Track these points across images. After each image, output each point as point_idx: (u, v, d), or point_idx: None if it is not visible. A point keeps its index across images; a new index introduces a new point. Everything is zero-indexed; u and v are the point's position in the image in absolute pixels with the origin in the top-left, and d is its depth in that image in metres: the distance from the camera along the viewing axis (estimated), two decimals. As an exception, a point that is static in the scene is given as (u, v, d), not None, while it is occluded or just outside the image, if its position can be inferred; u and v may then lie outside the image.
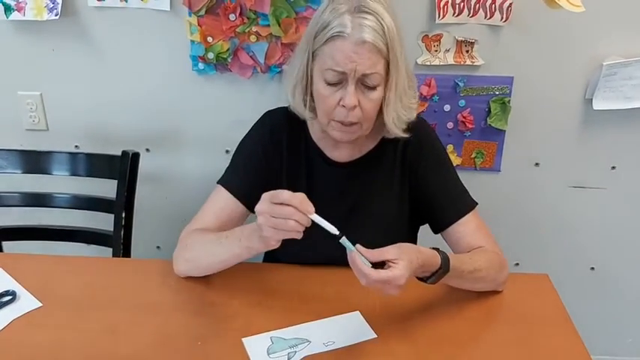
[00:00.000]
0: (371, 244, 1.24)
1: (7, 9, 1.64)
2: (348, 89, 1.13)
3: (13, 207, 1.60)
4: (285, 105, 1.34)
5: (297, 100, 1.25)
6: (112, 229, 1.56)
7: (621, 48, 1.58)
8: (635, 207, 1.79)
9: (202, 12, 1.61)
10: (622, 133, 1.69)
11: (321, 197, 1.29)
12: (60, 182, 1.65)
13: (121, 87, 1.73)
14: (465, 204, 1.28)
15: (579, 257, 1.86)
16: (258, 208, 1.03)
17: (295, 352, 1.07)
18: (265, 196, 1.03)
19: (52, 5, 1.63)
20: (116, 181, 1.55)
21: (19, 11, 1.65)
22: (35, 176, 1.62)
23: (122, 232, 1.54)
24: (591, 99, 1.64)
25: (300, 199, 1.01)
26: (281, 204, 1.00)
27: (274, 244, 1.06)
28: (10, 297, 1.16)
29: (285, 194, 1.00)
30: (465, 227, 1.26)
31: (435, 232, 1.32)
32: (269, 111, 1.37)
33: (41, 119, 1.79)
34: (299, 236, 1.02)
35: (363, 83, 1.14)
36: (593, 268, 1.88)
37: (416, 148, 1.29)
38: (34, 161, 1.59)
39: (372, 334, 1.11)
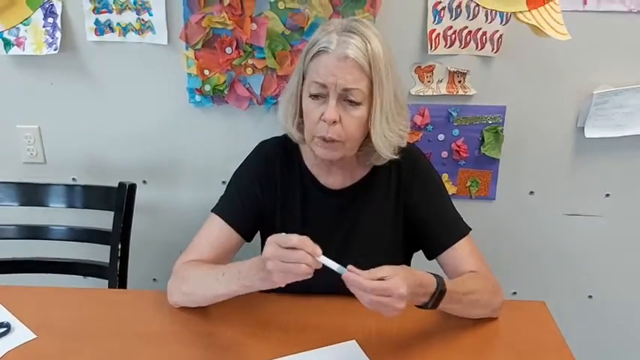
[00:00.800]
0: (365, 269, 1.26)
1: (7, 44, 1.67)
2: (329, 103, 1.16)
3: (9, 239, 1.60)
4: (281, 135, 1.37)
5: (288, 121, 1.27)
6: (108, 261, 1.56)
7: (611, 77, 1.61)
8: (630, 234, 1.79)
9: (199, 45, 1.64)
10: (615, 160, 1.71)
11: (316, 224, 1.31)
12: (57, 214, 1.66)
13: (118, 120, 1.75)
14: (458, 230, 1.29)
15: (577, 285, 1.86)
16: (266, 252, 1.01)
17: None
18: (273, 240, 1.01)
19: (51, 40, 1.66)
20: (113, 213, 1.56)
21: (18, 46, 1.68)
22: (32, 208, 1.63)
23: (118, 264, 1.54)
24: (583, 127, 1.66)
25: (309, 242, 1.00)
26: (292, 248, 0.99)
27: (281, 285, 1.04)
28: (4, 329, 1.15)
29: (294, 238, 1.00)
30: (459, 252, 1.27)
31: (429, 257, 1.32)
32: (263, 141, 1.39)
33: (39, 152, 1.81)
34: (309, 277, 1.01)
35: (346, 99, 1.16)
36: (590, 297, 1.87)
37: (409, 174, 1.31)
38: (31, 193, 1.60)
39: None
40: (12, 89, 1.73)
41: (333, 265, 1.02)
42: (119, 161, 1.80)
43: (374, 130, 1.19)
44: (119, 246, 1.53)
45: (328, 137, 1.17)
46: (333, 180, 1.32)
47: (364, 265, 1.25)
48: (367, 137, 1.22)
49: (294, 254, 0.99)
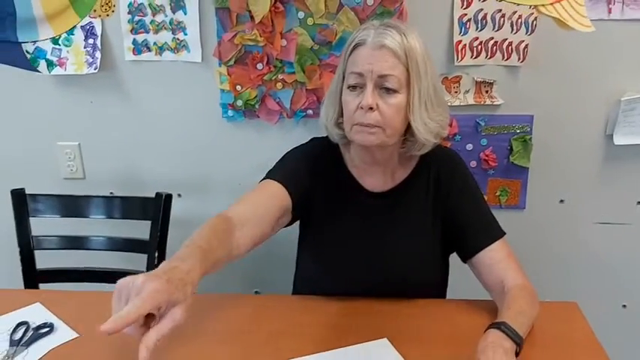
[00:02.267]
0: (405, 271, 1.30)
1: (50, 64, 1.75)
2: (366, 91, 1.19)
3: (51, 250, 1.67)
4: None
5: (329, 119, 1.31)
6: (145, 269, 1.60)
7: (638, 83, 1.62)
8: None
9: (232, 62, 1.70)
10: (646, 167, 1.71)
11: (352, 224, 1.34)
12: (96, 225, 1.72)
13: (154, 135, 1.82)
14: (494, 232, 1.30)
15: (610, 294, 1.84)
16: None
17: None
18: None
19: (91, 60, 1.74)
20: (150, 223, 1.61)
21: (60, 66, 1.76)
22: (73, 220, 1.69)
23: (155, 272, 1.58)
24: (612, 135, 1.67)
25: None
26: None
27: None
28: (47, 329, 1.20)
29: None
30: (497, 253, 1.27)
31: (465, 259, 1.33)
32: (315, 137, 1.42)
33: (79, 168, 1.88)
34: None
35: (382, 86, 1.19)
36: (625, 306, 1.85)
37: (448, 176, 1.33)
38: (72, 205, 1.66)
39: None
40: (53, 107, 1.81)
41: None
42: (155, 176, 1.86)
43: (413, 117, 1.21)
44: (156, 254, 1.58)
45: (366, 123, 1.20)
46: (373, 182, 1.34)
47: (404, 266, 1.29)
48: (408, 130, 1.25)
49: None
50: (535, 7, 1.13)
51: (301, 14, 1.64)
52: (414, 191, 1.34)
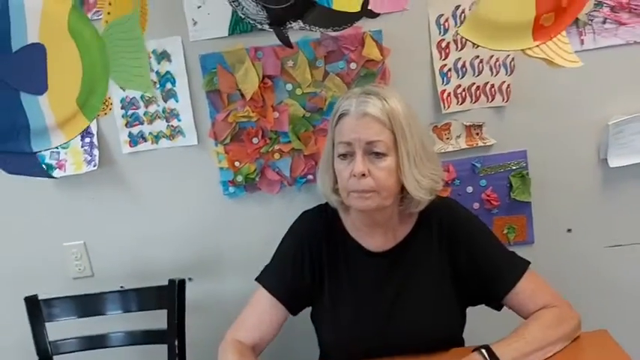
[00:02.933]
0: (419, 327, 1.30)
1: (49, 168, 1.78)
2: (356, 158, 1.23)
3: (70, 353, 1.64)
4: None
5: (325, 186, 1.35)
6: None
7: (622, 106, 1.67)
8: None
9: (228, 140, 1.74)
10: (644, 185, 1.74)
11: (364, 287, 1.35)
12: (112, 321, 1.69)
13: (158, 223, 1.83)
14: (514, 270, 1.31)
15: (636, 316, 1.82)
16: None
17: None
18: None
19: (89, 158, 1.77)
20: (165, 311, 1.59)
21: (59, 168, 1.79)
22: (87, 319, 1.67)
23: (177, 360, 1.56)
24: (606, 158, 1.70)
25: None
26: None
27: None
28: None
29: None
30: (522, 294, 1.28)
31: (496, 308, 1.34)
32: (305, 211, 1.45)
33: (86, 267, 1.88)
34: None
35: (371, 152, 1.23)
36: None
37: (451, 227, 1.34)
38: (86, 304, 1.65)
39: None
40: (56, 209, 1.83)
41: None
42: (163, 264, 1.85)
43: (404, 176, 1.25)
44: (176, 343, 1.55)
45: (361, 189, 1.23)
46: (376, 242, 1.36)
47: (418, 322, 1.30)
48: (404, 189, 1.28)
49: None
50: (523, 51, 1.18)
51: (289, 86, 1.70)
52: (418, 247, 1.35)
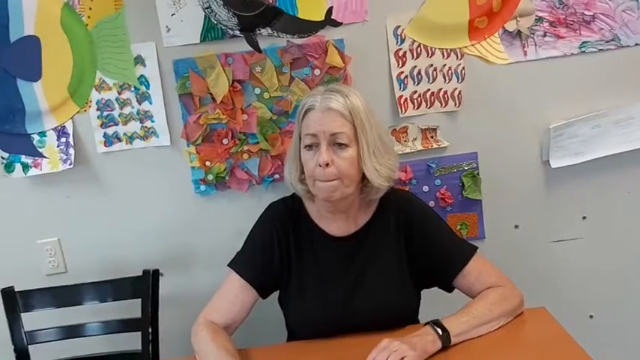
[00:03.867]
0: (379, 306, 1.42)
1: (25, 167, 1.85)
2: (321, 149, 1.36)
3: (46, 342, 1.70)
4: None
5: (292, 176, 1.47)
6: (140, 348, 1.65)
7: (562, 112, 1.83)
8: (612, 252, 1.94)
9: (199, 141, 1.84)
10: (583, 185, 1.89)
11: (329, 270, 1.46)
12: (86, 312, 1.76)
13: (131, 220, 1.91)
14: (463, 254, 1.45)
15: (576, 307, 1.96)
16: None
17: None
18: None
19: (65, 157, 1.85)
20: (140, 301, 1.67)
21: (35, 167, 1.86)
22: (60, 311, 1.74)
23: (150, 347, 1.63)
24: (548, 160, 1.86)
25: None
26: None
27: None
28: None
29: None
30: (469, 275, 1.43)
31: (447, 289, 1.48)
32: (272, 202, 1.56)
33: (60, 263, 1.94)
34: None
35: (335, 143, 1.36)
36: (592, 316, 1.98)
37: (407, 215, 1.48)
38: (62, 296, 1.72)
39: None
40: (31, 207, 1.89)
41: None
42: (135, 260, 1.90)
43: (365, 165, 1.38)
44: (150, 330, 1.63)
45: (326, 178, 1.36)
46: (339, 228, 1.48)
47: (378, 303, 1.42)
48: (364, 178, 1.41)
49: None
50: (461, 48, 1.34)
51: (257, 90, 1.81)
52: (377, 232, 1.48)
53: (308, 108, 1.39)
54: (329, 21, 1.59)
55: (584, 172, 1.87)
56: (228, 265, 1.51)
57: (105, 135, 1.85)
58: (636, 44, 1.80)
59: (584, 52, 1.80)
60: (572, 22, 1.78)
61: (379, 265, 1.45)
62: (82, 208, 1.90)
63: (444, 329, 1.30)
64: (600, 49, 1.80)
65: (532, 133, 1.86)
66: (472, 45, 1.32)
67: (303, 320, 1.46)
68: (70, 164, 1.84)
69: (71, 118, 1.31)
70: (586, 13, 1.78)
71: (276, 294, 1.54)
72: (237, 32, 1.50)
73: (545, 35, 1.80)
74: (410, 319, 1.47)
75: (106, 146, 1.86)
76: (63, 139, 1.85)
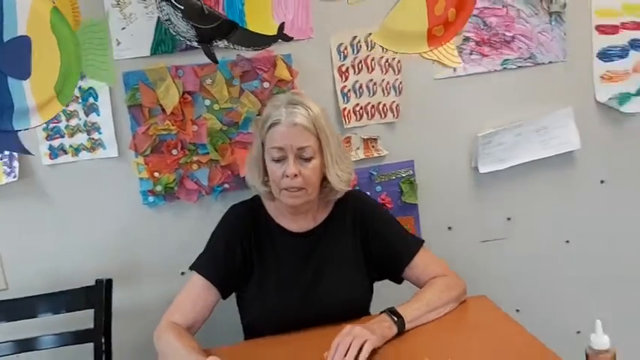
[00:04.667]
0: (336, 298, 1.53)
1: (-34, 181, 1.80)
2: (288, 162, 1.45)
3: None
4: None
5: (254, 179, 1.55)
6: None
7: (489, 121, 2.02)
8: (534, 250, 2.14)
9: (148, 152, 1.87)
10: (508, 188, 2.08)
11: (289, 266, 1.55)
12: (31, 326, 1.73)
13: (77, 234, 1.89)
14: (409, 248, 1.58)
15: (505, 302, 2.12)
16: None
17: None
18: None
19: (9, 170, 1.81)
20: (92, 311, 1.67)
21: (-23, 180, 1.81)
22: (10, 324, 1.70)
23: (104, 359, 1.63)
24: (477, 166, 2.04)
25: None
26: None
27: None
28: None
29: None
30: (417, 267, 1.56)
31: (397, 281, 1.61)
32: (233, 204, 1.63)
33: (0, 279, 1.88)
34: None
35: (301, 157, 1.46)
36: (518, 310, 2.16)
37: (362, 213, 1.60)
38: (11, 309, 1.69)
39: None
40: (-30, 222, 1.84)
41: None
42: (81, 274, 1.85)
43: (329, 173, 1.49)
44: (103, 340, 1.63)
45: (293, 187, 1.44)
46: (298, 225, 1.57)
47: (335, 294, 1.53)
48: (323, 181, 1.51)
49: None
50: (420, 54, 1.51)
51: (207, 102, 1.87)
52: (334, 229, 1.59)
53: (274, 122, 1.46)
54: (281, 35, 1.68)
55: (508, 177, 2.06)
56: (190, 268, 1.56)
57: (50, 147, 1.84)
58: (550, 62, 2.03)
59: (505, 68, 2.01)
60: (495, 42, 1.98)
61: (336, 261, 1.56)
62: (25, 221, 1.86)
63: (398, 316, 1.41)
64: (519, 66, 2.02)
65: (462, 141, 2.03)
66: (430, 50, 1.48)
67: (264, 316, 1.52)
68: (14, 177, 1.81)
69: (54, 117, 1.32)
70: (507, 33, 1.98)
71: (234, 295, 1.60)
72: (195, 44, 1.55)
73: (471, 53, 1.98)
74: (363, 312, 1.57)
75: (51, 158, 1.84)
76: (6, 152, 1.81)
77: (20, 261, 1.88)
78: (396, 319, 1.41)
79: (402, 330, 1.40)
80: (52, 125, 1.82)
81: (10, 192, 1.82)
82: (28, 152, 1.54)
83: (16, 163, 1.81)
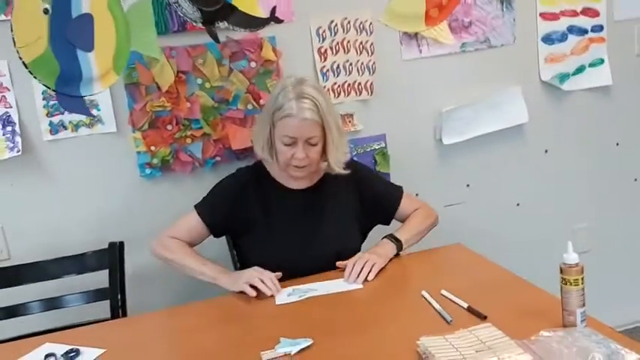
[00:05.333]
0: (333, 250, 1.75)
1: (-33, 156, 1.88)
2: (298, 148, 1.67)
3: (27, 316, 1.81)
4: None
5: (264, 153, 1.75)
6: (110, 317, 1.79)
7: (452, 98, 2.27)
8: (489, 213, 2.42)
9: (145, 127, 2.00)
10: (467, 157, 2.35)
11: (288, 217, 1.78)
12: (38, 291, 1.86)
13: (77, 206, 2.01)
14: (396, 194, 1.88)
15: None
16: (250, 270, 1.64)
17: (305, 294, 1.57)
18: (257, 269, 1.64)
19: (12, 145, 1.90)
20: (107, 271, 1.82)
21: (-21, 156, 1.89)
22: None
23: (120, 314, 1.77)
24: (441, 138, 2.28)
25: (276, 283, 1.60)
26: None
27: (234, 290, 1.61)
28: (74, 353, 1.36)
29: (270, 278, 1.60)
30: (403, 209, 1.87)
31: (387, 223, 1.88)
32: (240, 167, 1.85)
33: (3, 250, 1.97)
34: (262, 286, 1.58)
35: (308, 143, 1.68)
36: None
37: (357, 171, 1.83)
38: (29, 273, 1.82)
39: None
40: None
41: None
42: (82, 244, 1.97)
43: (330, 157, 1.74)
44: (119, 296, 1.77)
45: (301, 165, 1.68)
46: (297, 184, 1.79)
47: (331, 243, 1.77)
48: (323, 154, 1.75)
49: (265, 280, 1.59)
50: (417, 32, 1.76)
51: (199, 80, 2.02)
52: (330, 186, 1.81)
53: (286, 115, 1.65)
54: (273, 18, 1.86)
55: (467, 148, 2.32)
56: (194, 206, 1.79)
57: (50, 123, 1.94)
58: (502, 45, 2.30)
59: (464, 51, 2.26)
60: (455, 27, 2.23)
61: (333, 214, 1.79)
62: (27, 195, 1.96)
63: (397, 240, 1.74)
64: (476, 49, 2.28)
65: (428, 116, 2.28)
66: (427, 29, 1.73)
67: (269, 256, 1.71)
68: (17, 151, 1.90)
69: (111, 86, 1.46)
70: (465, 19, 2.23)
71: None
72: (200, 24, 1.71)
73: (435, 37, 2.23)
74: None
75: (51, 134, 1.95)
76: (9, 128, 1.90)
77: (22, 233, 1.97)
78: (395, 242, 1.72)
79: (400, 250, 1.75)
80: (52, 102, 1.92)
81: (12, 166, 1.91)
82: (91, 114, 1.80)
83: (18, 139, 1.90)
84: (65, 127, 1.96)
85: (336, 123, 1.73)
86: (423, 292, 1.48)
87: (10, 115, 1.90)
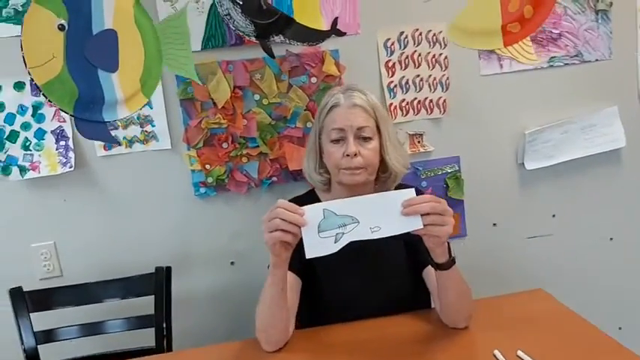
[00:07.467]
0: (396, 287, 1.54)
1: (22, 170, 1.85)
2: (348, 141, 1.48)
3: (56, 342, 1.73)
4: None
5: (310, 167, 1.58)
6: (154, 345, 1.69)
7: (536, 119, 2.03)
8: (576, 246, 2.15)
9: (200, 145, 1.91)
10: (553, 185, 2.09)
11: (347, 251, 1.54)
12: (88, 312, 1.78)
13: (130, 224, 1.94)
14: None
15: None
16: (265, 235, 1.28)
17: (343, 233, 1.22)
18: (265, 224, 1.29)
19: (65, 160, 1.86)
20: (152, 298, 1.72)
21: (33, 170, 1.86)
22: (63, 311, 1.76)
23: (165, 344, 1.67)
24: (523, 162, 2.04)
25: (288, 205, 1.26)
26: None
27: (275, 249, 1.28)
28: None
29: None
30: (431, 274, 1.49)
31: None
32: (294, 197, 1.66)
33: (55, 267, 1.93)
34: (287, 237, 1.24)
35: (360, 136, 1.48)
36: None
37: None
38: (72, 295, 1.75)
39: (419, 224, 1.22)
40: (27, 210, 1.89)
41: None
42: (134, 263, 1.91)
43: (388, 155, 1.52)
44: (164, 324, 1.67)
45: (353, 166, 1.47)
46: None
47: (390, 278, 1.56)
48: (381, 167, 1.53)
49: (272, 219, 1.26)
50: (493, 50, 1.54)
51: (257, 96, 1.90)
52: None
53: (333, 105, 1.50)
54: (335, 30, 1.70)
55: (554, 174, 2.07)
56: None
57: (105, 139, 1.89)
58: (596, 60, 2.03)
59: (552, 65, 2.01)
60: (541, 39, 1.99)
61: (389, 252, 1.56)
62: (80, 211, 1.91)
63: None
64: (566, 64, 2.02)
65: (509, 138, 2.04)
66: (505, 47, 1.51)
67: (333, 304, 1.54)
68: (70, 167, 1.85)
69: (140, 109, 1.37)
70: (554, 31, 1.99)
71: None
72: (253, 38, 1.59)
73: (519, 50, 1.99)
74: (425, 304, 1.58)
75: (105, 150, 1.89)
76: (62, 143, 1.86)
77: (75, 250, 1.93)
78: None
79: (452, 263, 1.35)
80: (107, 118, 1.87)
81: (63, 182, 1.87)
82: (117, 142, 1.60)
83: (71, 154, 1.86)
84: (119, 143, 1.90)
85: (392, 126, 1.56)
86: (496, 352, 1.28)
87: (63, 130, 1.86)
